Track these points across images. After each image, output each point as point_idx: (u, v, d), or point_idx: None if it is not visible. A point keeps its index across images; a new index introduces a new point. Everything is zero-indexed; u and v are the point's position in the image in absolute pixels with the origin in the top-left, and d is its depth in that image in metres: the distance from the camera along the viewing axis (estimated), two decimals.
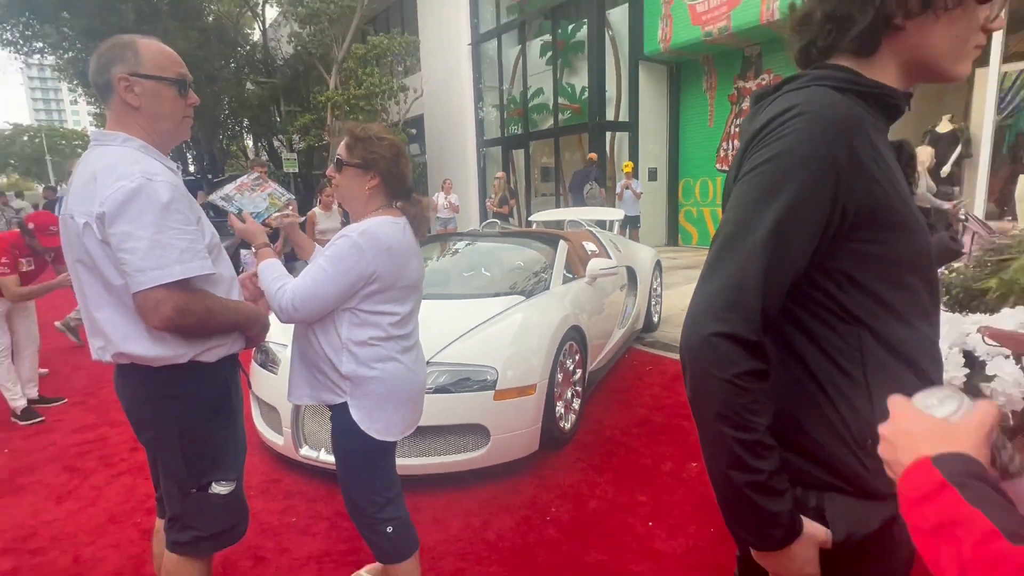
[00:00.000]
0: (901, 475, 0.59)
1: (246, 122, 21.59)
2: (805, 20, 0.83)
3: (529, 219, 7.03)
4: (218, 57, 17.20)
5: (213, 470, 1.51)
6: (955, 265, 3.18)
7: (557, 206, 11.37)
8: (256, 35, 20.45)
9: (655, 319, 5.39)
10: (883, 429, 0.63)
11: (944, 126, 6.78)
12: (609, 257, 4.49)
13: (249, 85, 19.46)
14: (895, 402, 0.64)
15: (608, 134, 10.70)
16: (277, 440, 2.92)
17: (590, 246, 4.58)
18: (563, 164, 12.00)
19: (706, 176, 10.57)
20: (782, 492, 0.76)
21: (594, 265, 3.89)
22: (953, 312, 2.92)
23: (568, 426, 3.21)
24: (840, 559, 0.80)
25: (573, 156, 11.82)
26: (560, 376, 3.12)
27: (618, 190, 9.28)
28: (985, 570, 0.46)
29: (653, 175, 11.06)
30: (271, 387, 2.91)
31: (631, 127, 10.70)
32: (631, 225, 9.04)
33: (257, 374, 3.06)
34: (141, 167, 1.32)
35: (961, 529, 0.49)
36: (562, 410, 3.16)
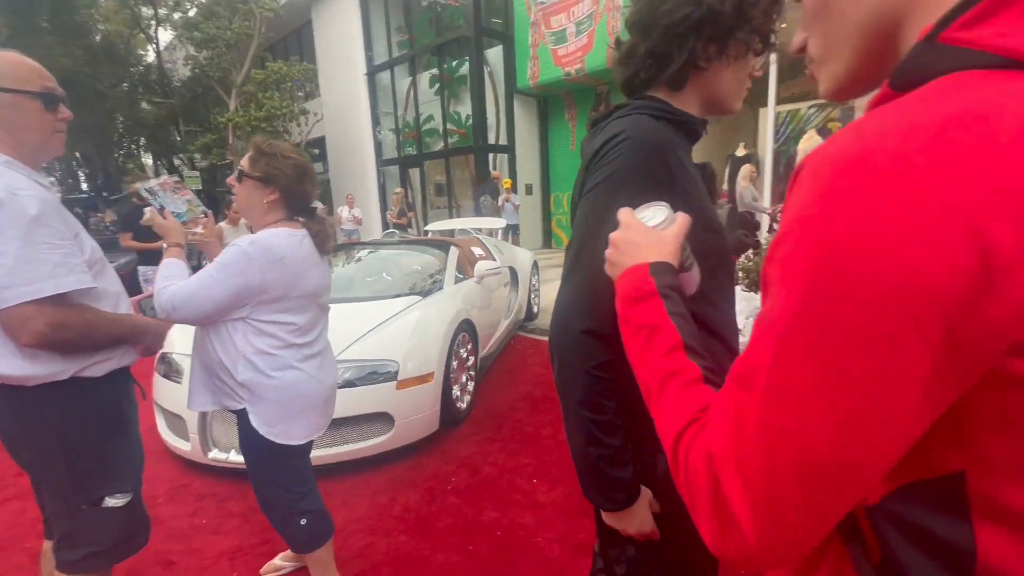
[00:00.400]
0: (619, 275, 0.62)
1: (143, 140, 18.98)
2: (630, 54, 0.87)
3: (425, 228, 6.88)
4: (109, 76, 14.89)
5: (105, 484, 1.29)
6: (751, 255, 3.60)
7: (450, 217, 11.28)
8: (150, 56, 18.03)
9: (535, 310, 5.52)
10: (613, 236, 0.66)
11: (740, 151, 7.66)
12: (494, 259, 4.51)
13: (145, 104, 17.13)
14: (623, 214, 0.68)
15: (491, 155, 10.79)
16: (184, 447, 2.59)
17: (478, 251, 4.58)
18: (453, 181, 11.93)
19: (572, 190, 11.06)
20: (625, 463, 0.80)
21: (481, 267, 3.89)
22: (749, 291, 3.31)
23: (464, 406, 3.18)
24: (671, 511, 0.85)
25: (462, 174, 11.76)
26: (455, 363, 3.09)
27: (500, 203, 9.40)
28: (665, 374, 0.52)
29: (529, 190, 11.33)
30: (175, 396, 2.57)
31: (509, 149, 10.88)
32: (512, 232, 9.20)
33: (160, 384, 2.69)
34: (4, 181, 1.09)
35: (659, 335, 0.54)
36: (458, 392, 3.13)
